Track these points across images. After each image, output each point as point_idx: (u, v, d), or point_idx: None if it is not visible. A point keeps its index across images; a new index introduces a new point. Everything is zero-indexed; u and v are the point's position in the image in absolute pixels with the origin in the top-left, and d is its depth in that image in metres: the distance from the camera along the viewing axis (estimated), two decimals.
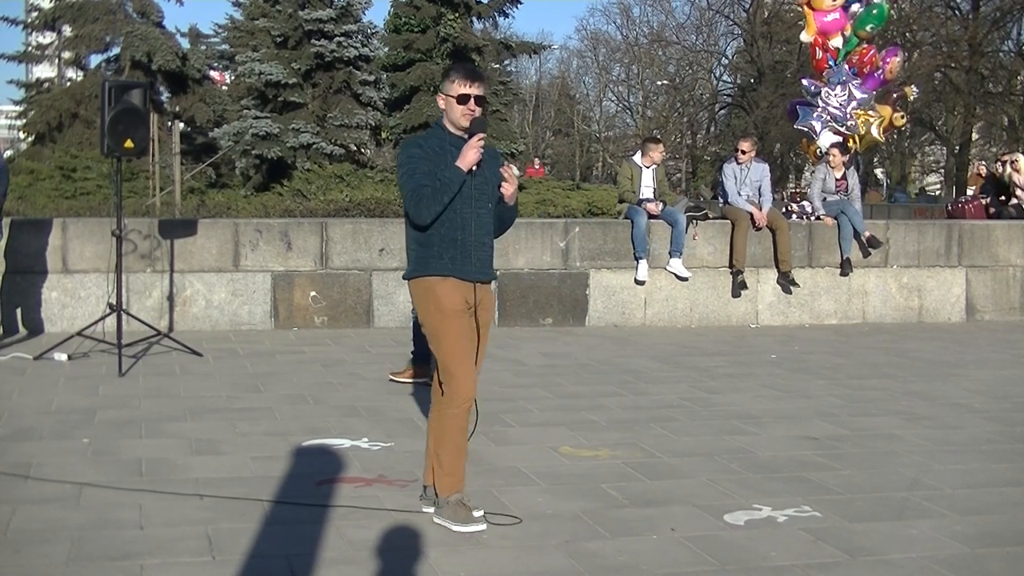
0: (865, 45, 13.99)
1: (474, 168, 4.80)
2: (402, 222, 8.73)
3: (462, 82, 4.85)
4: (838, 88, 13.79)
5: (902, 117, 14.18)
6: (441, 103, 4.95)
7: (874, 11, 13.74)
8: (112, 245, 8.82)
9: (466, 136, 4.85)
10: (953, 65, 41.05)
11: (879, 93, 14.21)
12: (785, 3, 48.14)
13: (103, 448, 6.12)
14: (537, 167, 38.70)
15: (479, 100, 4.88)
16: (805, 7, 14.17)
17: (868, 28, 13.84)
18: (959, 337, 11.55)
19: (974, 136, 46.04)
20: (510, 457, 6.11)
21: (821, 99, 13.91)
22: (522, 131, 49.51)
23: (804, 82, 14.61)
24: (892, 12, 42.21)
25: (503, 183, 4.94)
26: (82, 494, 5.21)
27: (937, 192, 51.11)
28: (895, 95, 14.51)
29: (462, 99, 4.83)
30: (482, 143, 4.83)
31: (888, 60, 13.98)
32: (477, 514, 4.88)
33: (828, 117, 13.85)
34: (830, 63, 13.93)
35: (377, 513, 5.00)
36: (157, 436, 6.44)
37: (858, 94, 13.69)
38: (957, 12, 42.67)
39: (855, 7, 13.89)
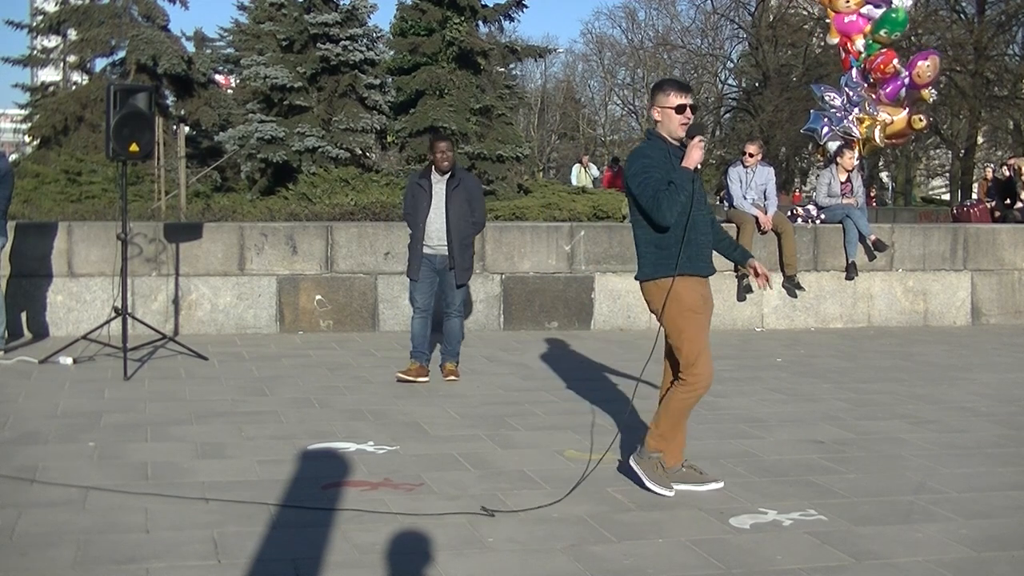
0: (885, 50, 13.90)
1: (698, 167, 5.31)
2: (404, 225, 8.80)
3: (678, 94, 5.40)
4: (846, 91, 13.80)
5: (920, 120, 14.10)
6: (656, 115, 5.48)
7: (893, 15, 13.67)
8: (117, 249, 8.83)
9: (679, 143, 5.39)
10: (958, 69, 40.99)
11: (904, 96, 14.05)
12: (791, 7, 48.10)
13: (109, 452, 6.13)
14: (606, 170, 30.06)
15: (693, 109, 5.42)
16: (828, 8, 14.18)
17: (883, 32, 13.78)
18: (965, 341, 11.54)
19: (979, 140, 45.96)
20: (515, 460, 6.11)
21: (827, 102, 13.93)
22: (527, 135, 49.52)
23: (813, 87, 14.68)
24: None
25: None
26: (88, 498, 5.21)
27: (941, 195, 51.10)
28: (916, 98, 14.44)
29: (680, 109, 5.37)
30: (703, 144, 5.36)
31: (916, 64, 13.88)
32: (672, 485, 5.42)
33: (831, 121, 13.86)
34: (852, 65, 13.94)
35: (383, 517, 5.00)
36: (163, 440, 6.44)
37: (856, 99, 13.68)
38: (962, 16, 42.61)
39: (868, 9, 13.83)
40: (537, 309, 11.48)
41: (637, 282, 5.65)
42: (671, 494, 5.37)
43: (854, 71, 13.80)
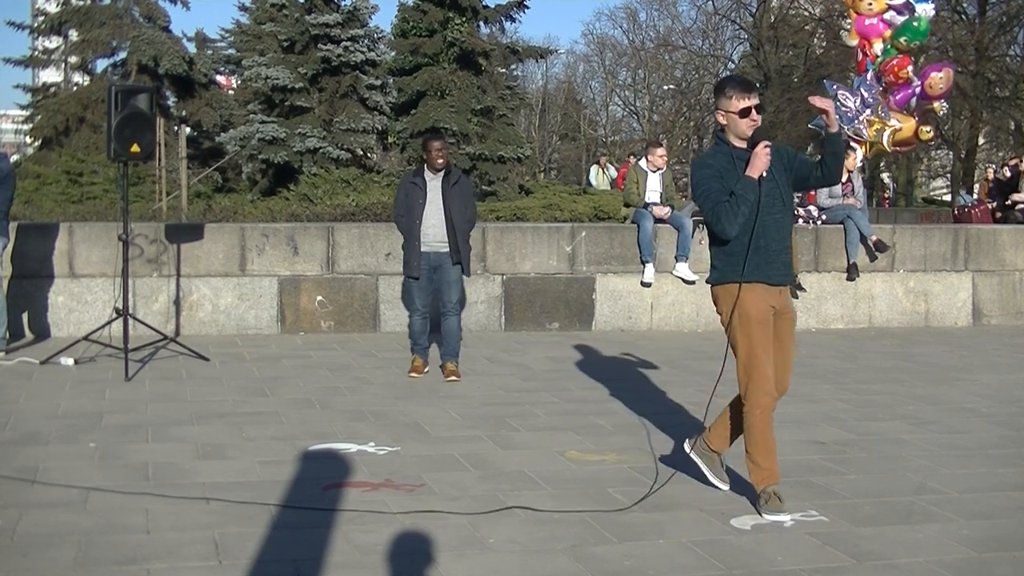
0: (901, 56, 13.87)
1: (764, 174, 5.04)
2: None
3: (740, 96, 5.12)
4: (861, 91, 13.80)
5: (928, 131, 14.08)
6: (721, 119, 5.21)
7: (915, 23, 13.63)
8: (119, 249, 8.84)
9: (747, 147, 5.12)
10: (960, 70, 40.96)
11: (915, 106, 14.00)
12: (792, 8, 48.11)
13: (110, 452, 6.13)
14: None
15: (758, 109, 5.13)
16: (850, 9, 14.17)
17: (904, 39, 13.75)
18: (965, 341, 11.54)
19: (981, 141, 45.96)
20: (517, 461, 6.11)
21: (839, 100, 13.92)
22: (528, 136, 49.50)
23: (825, 83, 14.67)
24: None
25: (814, 101, 5.15)
26: (89, 498, 5.21)
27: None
28: (925, 109, 14.40)
29: (744, 112, 5.10)
30: (768, 149, 5.07)
31: (928, 74, 13.86)
32: (785, 508, 5.14)
33: (840, 119, 13.85)
34: (868, 67, 13.93)
35: (384, 517, 5.00)
36: (164, 440, 6.45)
37: (870, 101, 13.67)
38: (963, 17, 42.61)
39: (891, 15, 13.81)
40: (538, 310, 11.48)
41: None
42: (787, 517, 5.09)
43: (870, 73, 13.79)
